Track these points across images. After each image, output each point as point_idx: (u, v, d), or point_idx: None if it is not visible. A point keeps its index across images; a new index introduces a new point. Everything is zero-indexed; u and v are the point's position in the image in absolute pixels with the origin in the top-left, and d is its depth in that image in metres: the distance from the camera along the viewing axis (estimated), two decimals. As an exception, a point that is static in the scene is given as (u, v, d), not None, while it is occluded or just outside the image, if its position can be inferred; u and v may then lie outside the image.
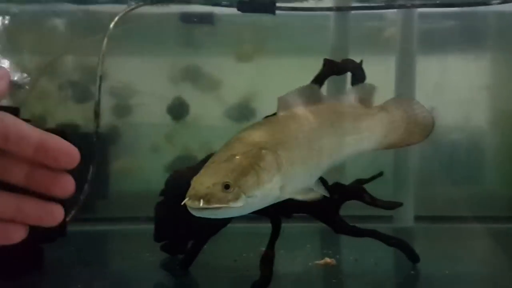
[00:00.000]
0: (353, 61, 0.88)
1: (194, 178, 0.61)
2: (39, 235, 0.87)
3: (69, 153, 0.37)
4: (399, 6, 1.32)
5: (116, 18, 1.17)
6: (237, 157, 0.62)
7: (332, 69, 0.83)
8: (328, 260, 0.91)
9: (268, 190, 0.63)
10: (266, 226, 1.08)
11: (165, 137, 1.37)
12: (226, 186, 0.59)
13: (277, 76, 1.38)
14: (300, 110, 0.72)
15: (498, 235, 1.20)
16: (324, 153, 0.72)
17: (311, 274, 0.88)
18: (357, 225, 0.85)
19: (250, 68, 1.42)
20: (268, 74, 1.41)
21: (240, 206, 0.60)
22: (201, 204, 0.58)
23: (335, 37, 1.36)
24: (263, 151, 0.64)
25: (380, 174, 0.88)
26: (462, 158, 1.44)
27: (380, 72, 1.39)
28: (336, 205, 0.83)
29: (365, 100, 0.79)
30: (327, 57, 1.32)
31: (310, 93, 0.75)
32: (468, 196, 1.38)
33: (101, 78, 1.12)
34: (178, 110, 1.34)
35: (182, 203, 0.60)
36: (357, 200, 0.80)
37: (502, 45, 1.44)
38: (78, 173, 1.08)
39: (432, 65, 1.42)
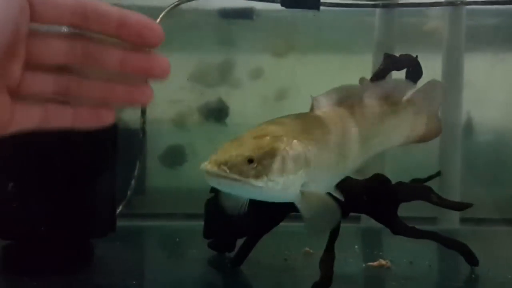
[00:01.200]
0: (411, 56, 0.86)
1: (220, 148, 0.57)
2: (90, 230, 0.87)
3: (152, 27, 0.35)
4: (448, 4, 1.28)
5: (162, 14, 1.15)
6: (267, 137, 0.59)
7: (392, 64, 0.81)
8: (382, 261, 0.88)
9: (290, 181, 0.59)
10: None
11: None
12: (250, 160, 0.56)
13: (316, 73, 1.36)
14: (332, 111, 0.69)
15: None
16: (350, 156, 0.69)
17: (367, 276, 0.86)
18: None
19: (287, 65, 1.40)
20: (306, 71, 1.39)
21: (259, 186, 0.56)
22: (221, 171, 0.54)
23: (380, 34, 1.34)
24: (295, 141, 0.60)
25: (438, 174, 0.85)
26: (508, 159, 1.40)
27: (427, 70, 1.37)
28: (394, 205, 0.80)
29: (396, 97, 0.75)
30: (373, 54, 1.33)
31: (346, 94, 0.72)
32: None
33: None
34: (218, 112, 1.32)
35: (201, 166, 0.56)
36: (424, 201, 0.77)
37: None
38: (125, 168, 1.07)
39: (478, 64, 1.38)
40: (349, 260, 0.92)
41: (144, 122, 1.08)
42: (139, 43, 0.35)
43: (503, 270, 0.86)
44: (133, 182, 1.06)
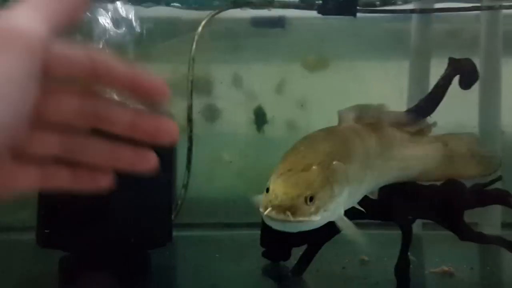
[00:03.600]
0: (470, 60, 0.85)
1: (274, 187, 0.58)
2: (150, 240, 0.86)
3: (158, 86, 0.34)
4: (486, 8, 1.28)
5: (203, 22, 1.15)
6: (314, 167, 0.60)
7: (457, 68, 0.80)
8: (445, 268, 0.87)
9: (339, 204, 0.61)
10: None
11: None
12: (310, 199, 0.57)
13: (352, 81, 1.36)
14: (358, 126, 0.71)
15: None
16: (375, 170, 0.70)
17: (434, 283, 0.84)
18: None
19: (320, 75, 1.39)
20: (340, 80, 1.38)
21: (318, 220, 0.58)
22: (286, 217, 0.56)
23: (416, 40, 1.33)
24: (335, 162, 0.61)
25: (499, 178, 0.84)
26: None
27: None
28: (462, 211, 0.79)
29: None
30: (409, 61, 1.33)
31: (372, 112, 0.73)
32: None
33: (192, 82, 1.10)
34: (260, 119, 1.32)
35: (265, 213, 0.57)
36: (502, 205, 0.76)
37: None
38: (174, 179, 1.05)
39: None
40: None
41: (191, 131, 1.07)
42: (145, 100, 0.34)
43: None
44: (183, 191, 1.05)
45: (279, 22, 1.41)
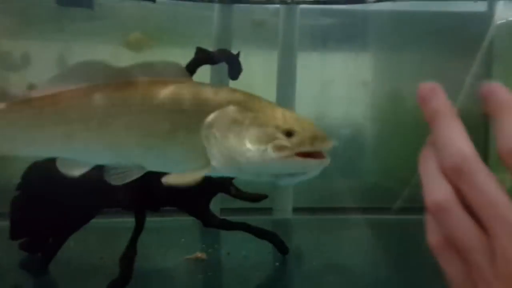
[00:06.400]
0: (229, 52, 0.86)
1: (302, 127, 0.54)
2: None
3: None
4: (280, 2, 1.32)
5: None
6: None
7: (204, 58, 0.81)
8: (198, 254, 0.89)
9: None
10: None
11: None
12: None
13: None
14: None
15: (375, 225, 1.22)
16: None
17: (180, 269, 0.85)
18: (231, 218, 0.84)
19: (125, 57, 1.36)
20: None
21: None
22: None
23: (218, 28, 1.35)
24: None
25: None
26: (341, 152, 1.48)
27: (263, 66, 1.40)
28: (206, 198, 0.81)
29: None
30: (212, 48, 1.34)
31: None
32: (346, 188, 1.43)
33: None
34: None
35: (323, 146, 0.53)
36: (223, 193, 0.78)
37: (381, 43, 1.50)
38: None
39: (313, 61, 1.45)
40: (169, 254, 0.92)
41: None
42: None
43: (312, 257, 0.90)
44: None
45: (86, 2, 1.35)
